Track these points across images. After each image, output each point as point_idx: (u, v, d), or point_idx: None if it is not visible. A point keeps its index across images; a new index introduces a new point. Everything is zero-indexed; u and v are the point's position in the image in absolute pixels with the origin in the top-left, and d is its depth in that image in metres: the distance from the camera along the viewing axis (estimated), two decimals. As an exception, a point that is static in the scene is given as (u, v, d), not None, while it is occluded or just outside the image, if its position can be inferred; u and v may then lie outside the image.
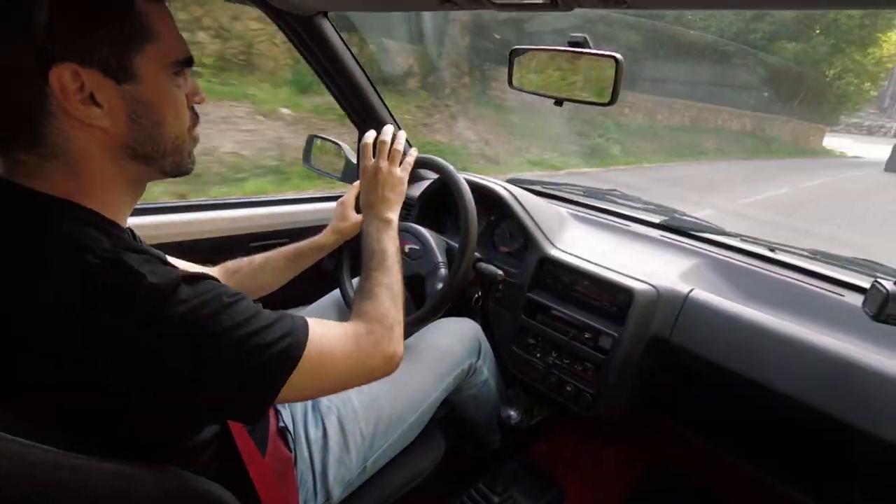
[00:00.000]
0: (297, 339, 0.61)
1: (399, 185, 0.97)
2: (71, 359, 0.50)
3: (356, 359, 0.69)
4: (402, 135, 1.01)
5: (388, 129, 1.00)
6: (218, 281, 0.59)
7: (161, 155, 0.62)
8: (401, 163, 0.98)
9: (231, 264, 1.07)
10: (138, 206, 1.23)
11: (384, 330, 0.74)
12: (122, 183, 0.61)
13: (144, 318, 0.50)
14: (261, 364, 0.57)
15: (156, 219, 1.25)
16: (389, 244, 0.88)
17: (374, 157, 0.98)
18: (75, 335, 0.49)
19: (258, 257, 1.09)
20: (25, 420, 0.48)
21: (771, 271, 1.13)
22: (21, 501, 0.43)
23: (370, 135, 1.00)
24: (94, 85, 0.53)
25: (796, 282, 1.08)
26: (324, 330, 0.67)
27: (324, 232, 1.15)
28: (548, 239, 1.27)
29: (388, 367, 0.74)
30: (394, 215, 0.94)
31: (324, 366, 0.65)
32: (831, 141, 19.88)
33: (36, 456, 0.44)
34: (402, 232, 1.16)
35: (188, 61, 0.62)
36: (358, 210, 1.18)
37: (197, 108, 0.67)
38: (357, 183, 1.22)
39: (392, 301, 0.79)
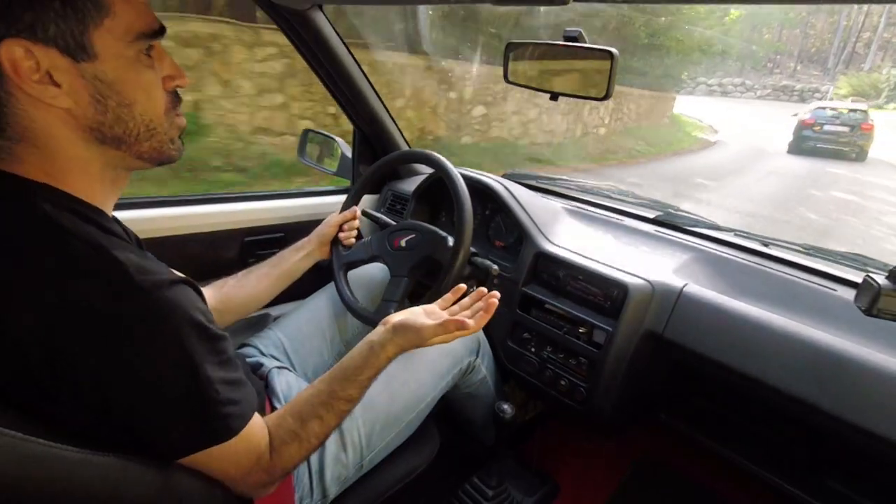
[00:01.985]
0: (244, 410, 0.60)
1: (428, 337, 0.79)
2: (50, 349, 0.49)
3: (245, 471, 0.64)
4: (495, 296, 0.82)
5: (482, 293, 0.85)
6: (202, 296, 0.59)
7: (134, 139, 0.59)
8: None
9: (219, 281, 1.06)
10: (132, 200, 1.24)
11: (280, 472, 0.69)
12: (97, 168, 0.59)
13: (122, 312, 0.50)
14: (202, 412, 0.56)
15: (150, 213, 1.24)
16: (372, 373, 0.77)
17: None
18: (52, 323, 0.49)
19: (242, 271, 1.10)
20: (16, 413, 0.47)
21: (764, 266, 1.13)
22: (12, 494, 0.43)
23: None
24: (49, 63, 0.51)
25: (789, 276, 1.09)
26: (258, 428, 0.64)
27: (306, 239, 1.18)
28: (542, 233, 1.27)
29: (258, 492, 0.69)
30: (395, 355, 0.80)
31: (230, 453, 0.60)
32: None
33: (26, 448, 0.44)
34: (396, 232, 1.16)
35: (155, 33, 0.58)
36: (342, 210, 1.21)
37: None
38: (354, 210, 1.22)
39: (328, 420, 0.72)
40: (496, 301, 0.81)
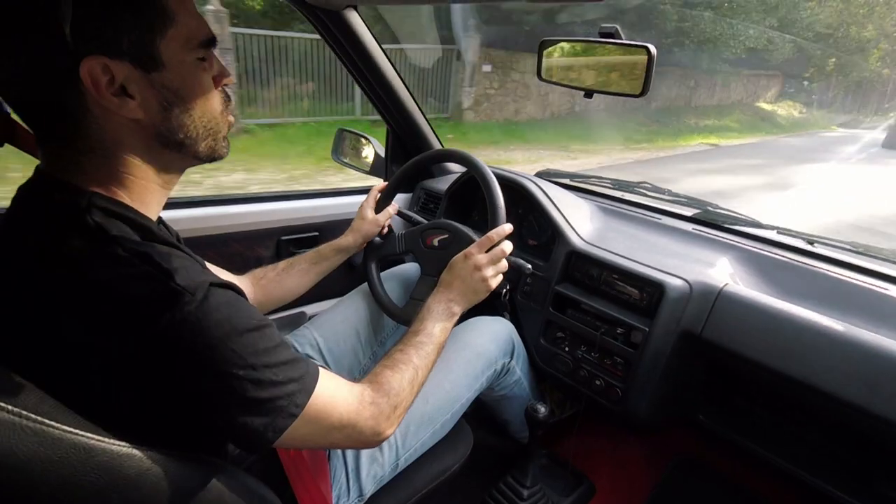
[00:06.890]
0: (306, 385, 0.61)
1: (482, 287, 0.95)
2: (95, 349, 0.51)
3: (350, 424, 0.66)
4: (507, 228, 0.99)
5: (504, 229, 0.98)
6: (245, 297, 0.59)
7: (193, 141, 0.62)
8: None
9: (258, 271, 1.08)
10: (175, 200, 1.28)
11: (388, 407, 0.71)
12: (154, 171, 0.61)
13: (166, 317, 0.50)
14: (269, 399, 0.56)
15: (189, 212, 1.28)
16: (441, 335, 0.88)
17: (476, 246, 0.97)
18: (99, 326, 0.50)
19: (282, 263, 1.10)
20: (64, 406, 0.48)
21: (809, 265, 1.09)
22: (55, 484, 0.45)
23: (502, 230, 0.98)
24: (124, 76, 0.53)
25: (837, 276, 1.04)
26: (332, 386, 0.66)
27: (345, 234, 1.17)
28: (576, 232, 1.26)
29: (372, 442, 0.71)
30: (460, 312, 0.94)
31: (320, 420, 0.63)
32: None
33: (70, 440, 0.45)
34: (430, 230, 1.16)
35: (211, 41, 0.61)
36: (377, 210, 1.21)
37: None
38: (380, 185, 1.24)
39: (411, 383, 0.77)
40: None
